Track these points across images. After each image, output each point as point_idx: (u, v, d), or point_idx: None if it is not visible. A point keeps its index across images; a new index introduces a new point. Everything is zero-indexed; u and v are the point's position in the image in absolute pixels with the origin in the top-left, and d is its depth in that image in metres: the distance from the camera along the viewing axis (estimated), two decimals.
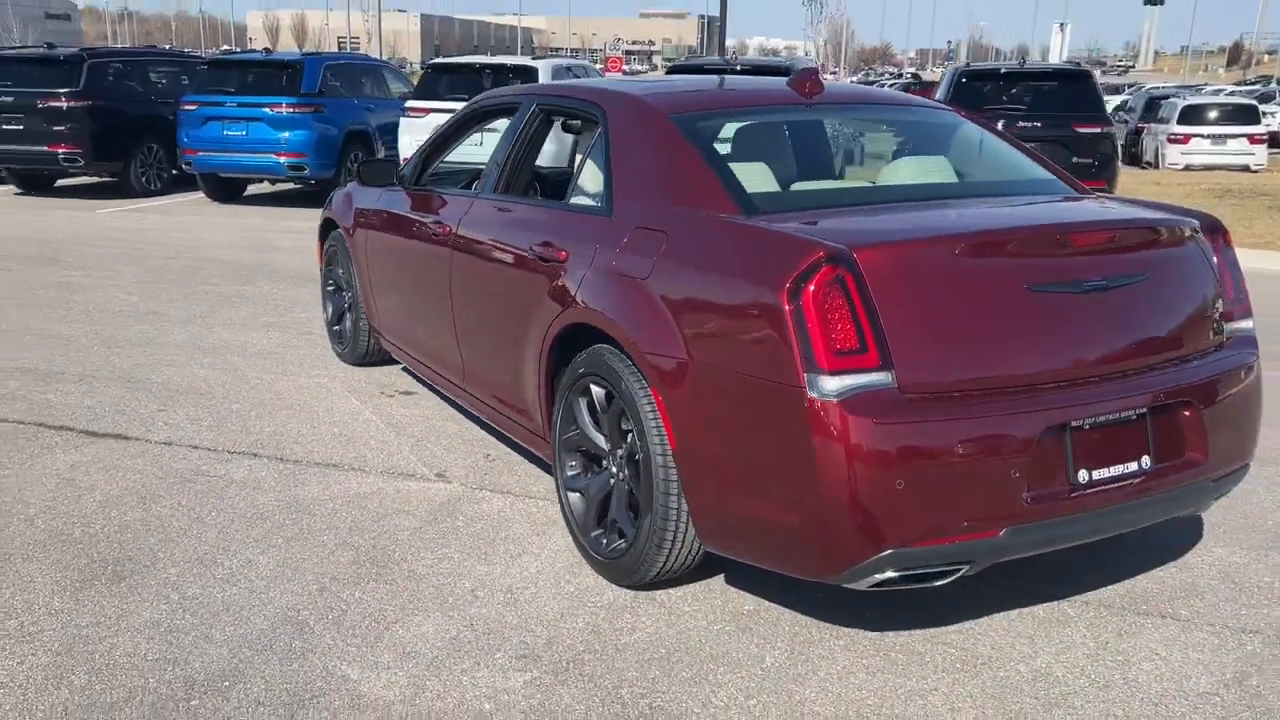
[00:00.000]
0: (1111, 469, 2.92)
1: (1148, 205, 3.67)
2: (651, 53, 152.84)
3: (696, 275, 3.04)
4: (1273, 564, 3.69)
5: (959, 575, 2.84)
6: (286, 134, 12.44)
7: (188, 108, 12.76)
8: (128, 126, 13.36)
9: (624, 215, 3.42)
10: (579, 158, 4.96)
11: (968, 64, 12.23)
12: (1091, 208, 3.49)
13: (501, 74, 11.90)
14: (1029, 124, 10.23)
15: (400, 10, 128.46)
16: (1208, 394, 3.11)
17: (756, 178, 3.42)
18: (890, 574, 2.74)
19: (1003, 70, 11.21)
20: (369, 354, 5.78)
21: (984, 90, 10.95)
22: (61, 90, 12.94)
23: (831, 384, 2.64)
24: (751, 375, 2.79)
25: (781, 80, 4.09)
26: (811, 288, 2.67)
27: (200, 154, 12.79)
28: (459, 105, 6.87)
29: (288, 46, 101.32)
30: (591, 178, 3.86)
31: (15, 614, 3.18)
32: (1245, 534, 3.94)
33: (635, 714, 2.74)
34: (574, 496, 3.59)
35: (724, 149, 3.68)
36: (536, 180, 4.98)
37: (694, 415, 2.99)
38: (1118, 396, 2.93)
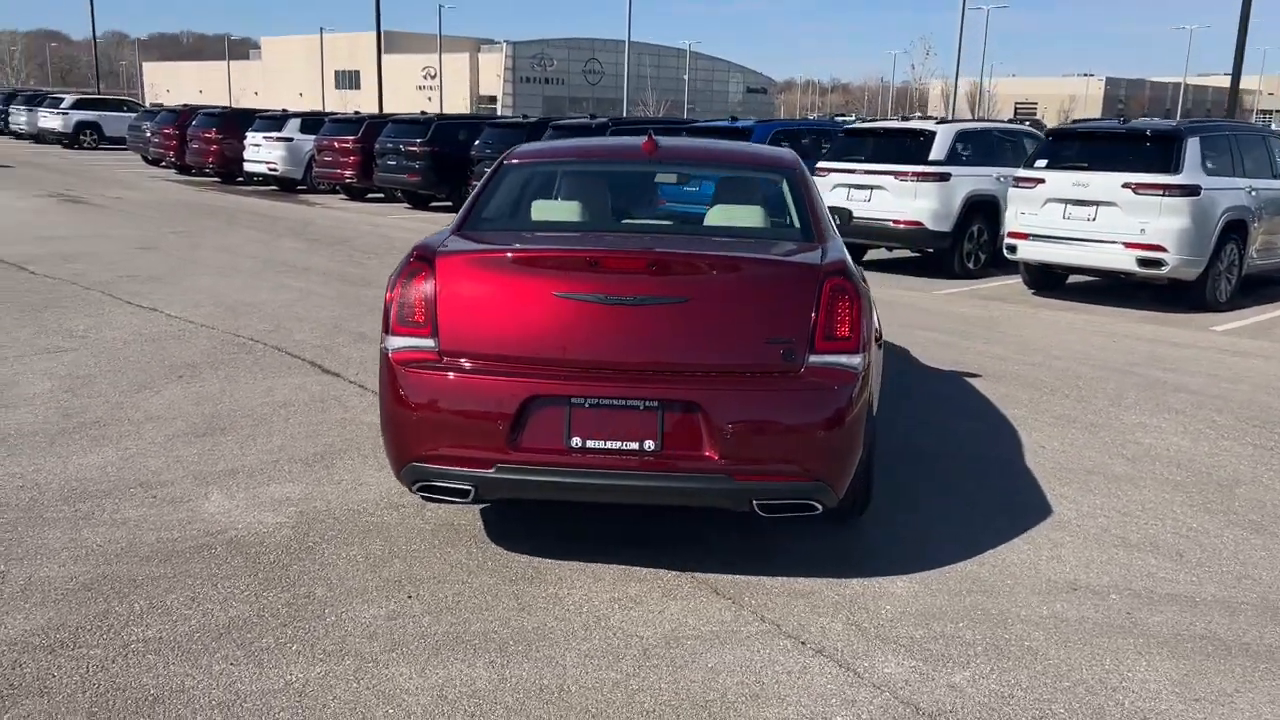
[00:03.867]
0: (609, 443, 3.68)
1: (810, 251, 4.10)
2: None
3: None
4: (912, 596, 3.85)
5: (472, 497, 3.83)
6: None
7: None
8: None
9: None
10: None
11: None
12: (725, 245, 4.16)
13: (902, 137, 12.86)
14: None
15: (1085, 74, 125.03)
16: (727, 405, 3.66)
17: (535, 209, 4.60)
18: (423, 483, 3.86)
19: None
20: None
21: None
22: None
23: (394, 342, 3.88)
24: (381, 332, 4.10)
25: (639, 140, 5.02)
26: (404, 277, 3.92)
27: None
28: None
29: (962, 113, 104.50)
30: None
31: (144, 441, 5.54)
32: (940, 579, 4.05)
33: (278, 542, 4.21)
34: None
35: (548, 188, 4.87)
36: None
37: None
38: (626, 386, 3.68)
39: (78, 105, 35.53)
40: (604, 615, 3.69)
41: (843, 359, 3.77)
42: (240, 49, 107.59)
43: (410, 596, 3.79)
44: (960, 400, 6.84)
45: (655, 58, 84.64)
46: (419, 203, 21.58)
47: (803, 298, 3.78)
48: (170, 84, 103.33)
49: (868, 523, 4.59)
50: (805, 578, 4.02)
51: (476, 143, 19.34)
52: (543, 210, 4.68)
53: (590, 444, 3.70)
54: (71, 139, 34.78)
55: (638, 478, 3.71)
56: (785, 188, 4.67)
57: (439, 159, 20.16)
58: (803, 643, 3.52)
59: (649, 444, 3.69)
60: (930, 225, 12.55)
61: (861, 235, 13.05)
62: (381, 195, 22.69)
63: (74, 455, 5.25)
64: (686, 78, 69.91)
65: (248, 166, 24.47)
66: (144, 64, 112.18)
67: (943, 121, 13.37)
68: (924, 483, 5.16)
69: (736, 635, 3.57)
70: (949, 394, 7.00)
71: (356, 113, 25.78)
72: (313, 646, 3.42)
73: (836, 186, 13.13)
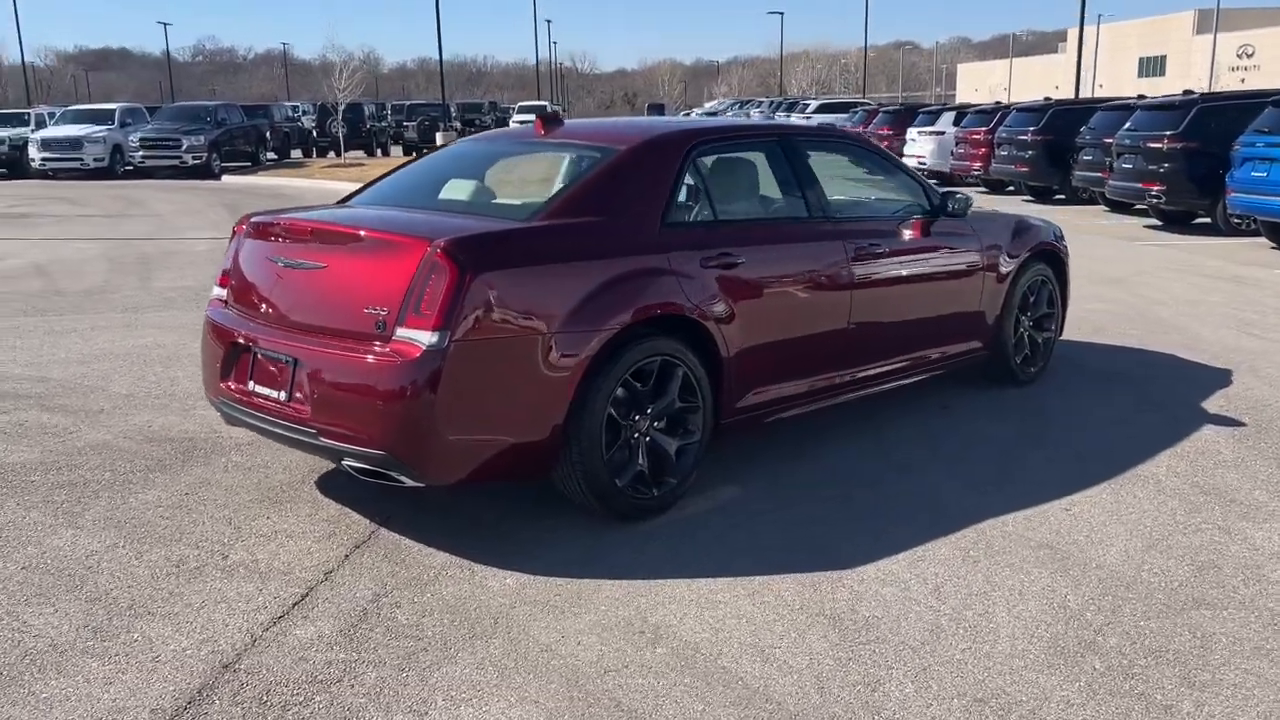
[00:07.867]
0: (265, 389, 4.18)
1: (474, 224, 4.09)
2: None
3: None
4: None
5: (232, 424, 4.58)
6: None
7: (1235, 149, 12.69)
8: (1213, 167, 13.70)
9: None
10: None
11: None
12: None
13: None
14: None
15: None
16: (316, 366, 3.96)
17: (444, 188, 5.00)
18: (213, 408, 4.71)
19: None
20: None
21: None
22: (1166, 132, 14.23)
23: (213, 292, 4.78)
24: None
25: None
26: (231, 238, 4.78)
27: (1234, 194, 12.63)
28: None
29: None
30: None
31: None
32: (546, 585, 3.69)
33: (208, 446, 5.33)
34: None
35: (466, 169, 5.15)
36: None
37: None
38: (277, 341, 4.13)
39: (819, 110, 39.58)
40: (265, 538, 4.20)
41: (419, 335, 3.73)
42: (1051, 43, 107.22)
43: (188, 494, 4.71)
44: (1127, 450, 5.28)
45: None
46: (1041, 196, 20.41)
47: (405, 271, 3.81)
48: (979, 83, 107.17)
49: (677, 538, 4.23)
50: (465, 559, 3.98)
51: (1083, 128, 17.74)
52: (446, 189, 5.07)
53: (258, 388, 4.24)
54: None
55: (276, 424, 4.15)
56: (584, 167, 4.42)
57: (1050, 147, 18.92)
58: (305, 594, 3.69)
59: (281, 394, 4.10)
60: None
61: None
62: (1012, 187, 21.91)
63: None
64: None
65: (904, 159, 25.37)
66: (959, 65, 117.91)
67: None
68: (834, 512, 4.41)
69: (286, 575, 3.84)
70: (1134, 439, 5.42)
71: (998, 103, 25.02)
72: (73, 507, 4.55)
73: None
